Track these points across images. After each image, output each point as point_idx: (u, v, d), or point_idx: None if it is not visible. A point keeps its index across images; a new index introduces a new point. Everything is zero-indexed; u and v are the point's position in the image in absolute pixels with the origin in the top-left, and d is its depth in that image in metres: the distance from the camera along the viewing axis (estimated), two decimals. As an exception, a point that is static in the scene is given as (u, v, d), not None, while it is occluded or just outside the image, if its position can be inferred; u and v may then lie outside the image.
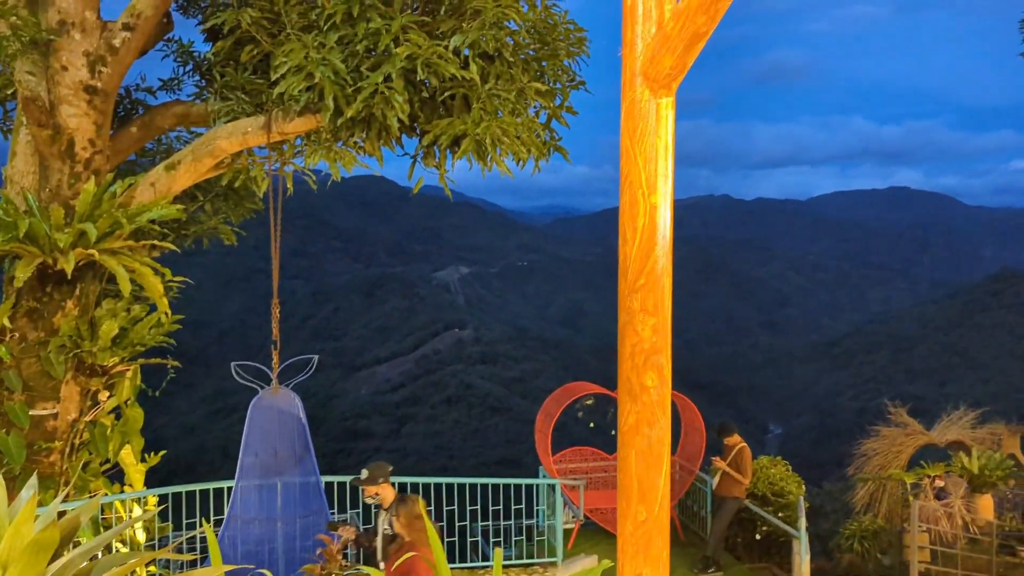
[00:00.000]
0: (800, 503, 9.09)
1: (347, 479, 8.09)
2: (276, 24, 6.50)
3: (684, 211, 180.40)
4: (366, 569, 2.58)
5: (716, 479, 9.58)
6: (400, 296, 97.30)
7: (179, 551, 7.86)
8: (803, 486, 10.59)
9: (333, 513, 7.41)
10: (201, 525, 7.62)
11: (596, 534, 10.60)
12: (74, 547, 2.48)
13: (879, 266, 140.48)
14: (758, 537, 10.12)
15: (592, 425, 10.70)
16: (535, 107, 6.57)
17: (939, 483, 12.42)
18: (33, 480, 2.62)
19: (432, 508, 8.34)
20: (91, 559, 2.35)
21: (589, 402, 10.79)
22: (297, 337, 79.76)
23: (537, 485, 9.25)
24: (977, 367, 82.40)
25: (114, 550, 6.94)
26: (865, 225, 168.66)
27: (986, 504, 12.37)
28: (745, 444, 9.48)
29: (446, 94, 5.78)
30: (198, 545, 8.03)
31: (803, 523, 8.69)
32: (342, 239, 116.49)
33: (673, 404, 11.04)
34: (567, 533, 9.84)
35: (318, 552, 4.51)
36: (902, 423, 14.78)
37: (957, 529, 10.74)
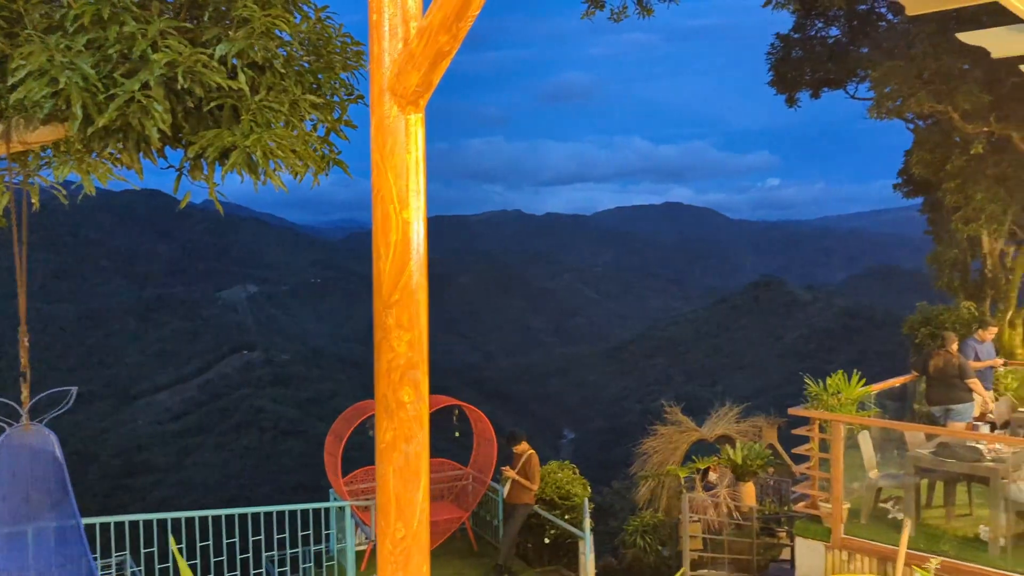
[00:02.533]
0: (585, 505, 9.53)
1: (123, 518, 7.43)
2: (17, 24, 5.87)
3: (480, 226, 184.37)
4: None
5: (507, 488, 9.79)
6: (181, 318, 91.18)
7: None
8: (588, 488, 11.09)
9: (96, 557, 6.76)
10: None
11: (391, 553, 10.46)
12: None
13: (657, 276, 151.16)
14: (547, 541, 10.46)
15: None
16: (312, 120, 6.41)
17: (712, 475, 13.50)
18: None
19: (210, 542, 7.85)
20: None
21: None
22: (60, 367, 72.40)
23: (325, 509, 9.00)
24: (743, 366, 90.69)
25: None
26: (644, 238, 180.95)
27: (749, 491, 13.61)
28: (533, 451, 9.77)
29: (212, 104, 5.48)
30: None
31: (587, 523, 9.10)
32: (114, 258, 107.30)
33: (466, 417, 11.18)
34: (360, 555, 9.64)
35: None
36: (677, 421, 15.91)
37: (723, 516, 11.70)
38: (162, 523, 7.74)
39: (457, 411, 10.65)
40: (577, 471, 11.69)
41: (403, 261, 2.04)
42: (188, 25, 5.64)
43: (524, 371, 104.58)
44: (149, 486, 58.81)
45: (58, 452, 6.10)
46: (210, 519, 7.86)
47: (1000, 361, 12.32)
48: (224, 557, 7.94)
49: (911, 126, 18.81)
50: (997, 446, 8.19)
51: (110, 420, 71.64)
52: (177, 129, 6.02)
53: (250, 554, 8.12)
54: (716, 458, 13.99)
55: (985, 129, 15.33)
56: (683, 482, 12.92)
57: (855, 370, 9.15)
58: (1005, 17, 4.65)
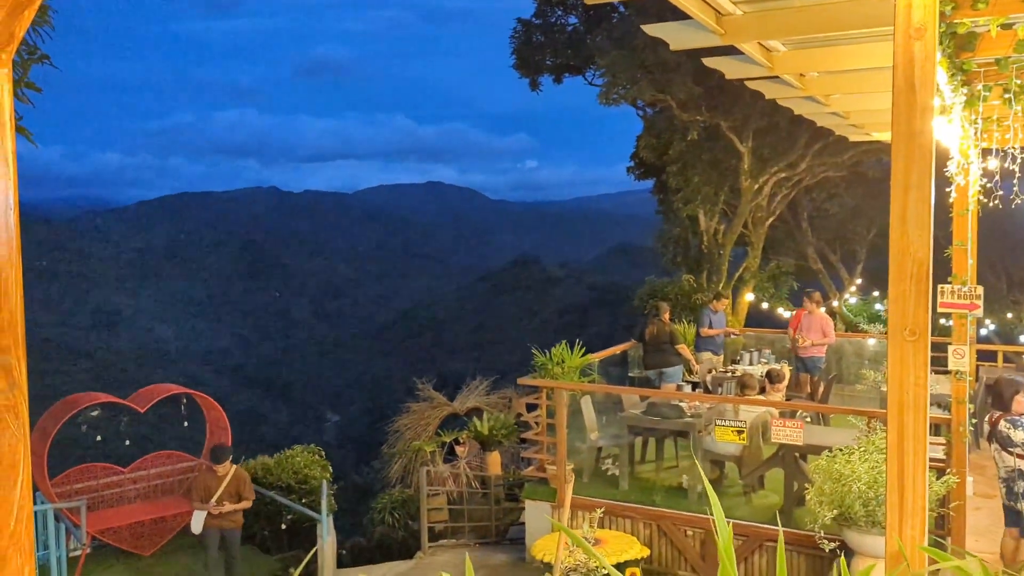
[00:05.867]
0: (323, 487, 9.39)
1: None
2: None
3: (230, 203, 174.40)
4: None
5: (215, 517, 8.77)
6: None
7: None
8: (329, 470, 10.94)
9: None
10: None
11: (112, 556, 9.69)
12: None
13: (421, 255, 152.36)
14: (284, 527, 10.20)
15: (100, 438, 9.74)
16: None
17: (461, 447, 13.84)
18: None
19: None
20: None
21: (95, 413, 9.76)
22: None
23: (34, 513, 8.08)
24: (503, 341, 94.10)
25: None
26: (407, 217, 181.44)
27: (495, 460, 14.16)
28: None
29: None
30: None
31: (325, 505, 8.97)
32: None
33: (197, 404, 10.54)
34: (73, 562, 8.81)
35: None
36: (429, 397, 16.17)
37: (463, 487, 12.07)
38: None
39: (186, 399, 10.02)
40: (321, 453, 11.50)
41: (-21, 231, 1.81)
42: None
43: (284, 355, 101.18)
44: None
45: None
46: None
47: (735, 330, 13.93)
48: None
49: (640, 113, 20.40)
50: (696, 403, 9.16)
51: None
52: None
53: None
54: (464, 431, 14.38)
55: (699, 118, 16.98)
56: (429, 456, 13.15)
57: (605, 342, 9.80)
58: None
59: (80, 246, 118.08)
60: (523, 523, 11.35)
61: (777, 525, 7.51)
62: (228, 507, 8.09)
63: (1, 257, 1.85)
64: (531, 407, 10.42)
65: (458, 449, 14.00)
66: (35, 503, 8.98)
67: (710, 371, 11.43)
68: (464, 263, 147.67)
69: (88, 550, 8.92)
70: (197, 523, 8.04)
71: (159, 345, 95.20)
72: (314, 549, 7.58)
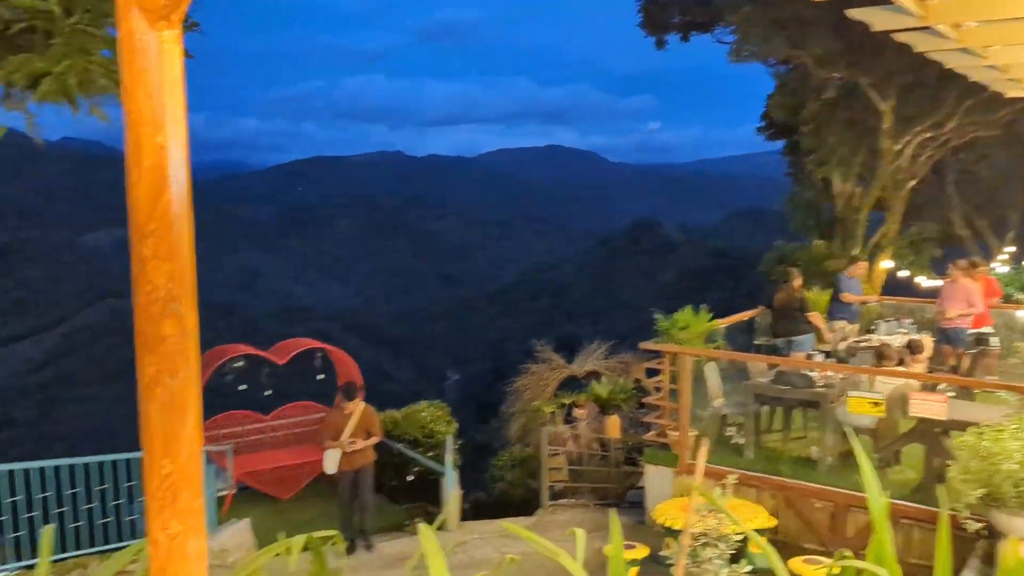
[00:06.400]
0: (448, 441, 9.66)
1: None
2: None
3: (359, 168, 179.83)
4: None
5: (344, 454, 8.84)
6: (39, 264, 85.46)
7: None
8: (453, 425, 11.24)
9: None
10: None
11: (256, 498, 10.36)
12: None
13: (539, 218, 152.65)
14: (410, 478, 10.58)
15: (243, 387, 10.37)
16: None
17: (580, 410, 13.93)
18: None
19: (53, 493, 7.52)
20: None
21: (239, 364, 10.39)
22: (-95, 317, 66.80)
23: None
24: (621, 305, 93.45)
25: None
26: (527, 180, 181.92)
27: (614, 424, 14.17)
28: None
29: (20, 27, 5.05)
30: None
31: (449, 460, 9.24)
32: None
33: (331, 359, 11.05)
34: (220, 500, 9.47)
35: None
36: (547, 359, 16.31)
37: (583, 449, 12.14)
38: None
39: (321, 353, 10.50)
40: (446, 409, 11.82)
41: (159, 188, 1.94)
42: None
43: (407, 315, 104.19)
44: (9, 441, 55.58)
45: None
46: (48, 471, 7.52)
47: (874, 298, 13.29)
48: (97, 504, 7.68)
49: (772, 71, 19.53)
50: (828, 373, 8.81)
51: (-38, 373, 66.95)
52: (-17, 53, 5.52)
53: (97, 503, 7.85)
54: (582, 393, 14.45)
55: (836, 75, 16.10)
56: (548, 417, 13.29)
57: (726, 308, 9.59)
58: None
59: (222, 208, 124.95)
60: (642, 487, 11.34)
61: (914, 503, 7.18)
62: (360, 443, 8.04)
63: (175, 211, 1.98)
64: (651, 372, 10.31)
65: (577, 411, 14.08)
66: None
67: (843, 340, 10.95)
68: (583, 226, 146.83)
69: (234, 491, 9.58)
70: (331, 463, 8.03)
71: (292, 302, 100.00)
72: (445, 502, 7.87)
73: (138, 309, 1.99)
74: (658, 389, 9.27)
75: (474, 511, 12.71)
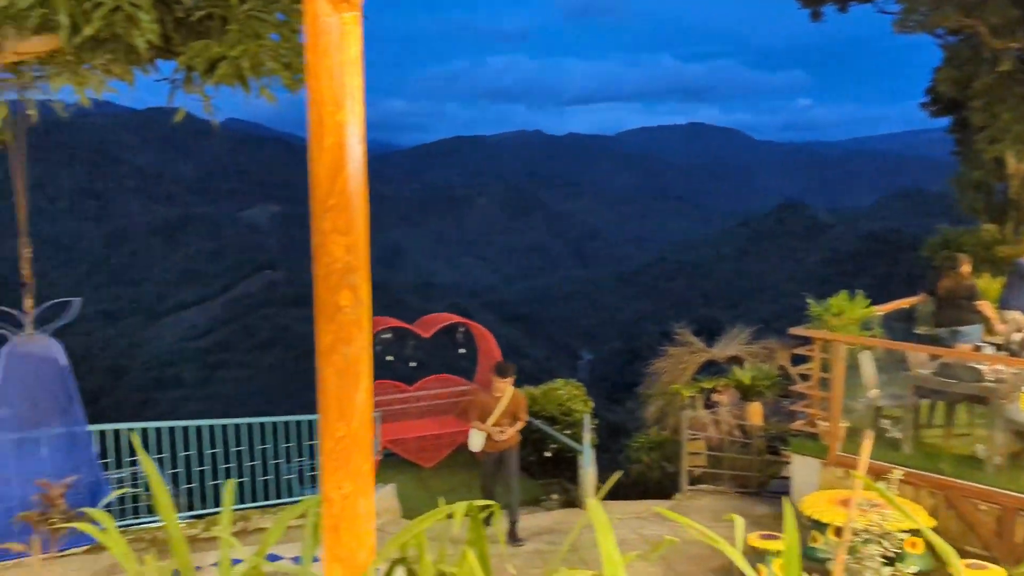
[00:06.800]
0: (585, 420, 9.68)
1: (146, 425, 7.70)
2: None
3: (498, 147, 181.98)
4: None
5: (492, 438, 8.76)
6: (205, 237, 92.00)
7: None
8: (590, 404, 11.24)
9: (106, 464, 7.03)
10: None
11: (400, 465, 10.78)
12: None
13: (678, 198, 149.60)
14: (548, 454, 10.69)
15: (389, 359, 10.80)
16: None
17: (720, 395, 13.62)
18: None
19: (219, 450, 8.12)
20: None
21: (387, 336, 10.81)
22: (90, 283, 73.66)
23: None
24: (764, 289, 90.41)
25: None
26: (666, 159, 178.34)
27: (755, 411, 13.74)
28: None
29: (200, 14, 5.40)
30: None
31: (587, 438, 9.27)
32: (138, 177, 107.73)
33: (472, 335, 11.30)
34: (367, 466, 9.92)
35: (36, 497, 4.25)
36: (687, 342, 16.01)
37: (724, 435, 11.85)
38: (173, 431, 8.02)
39: (463, 329, 10.75)
40: (582, 388, 11.85)
41: (338, 165, 2.03)
42: (171, -70, 5.51)
43: (542, 293, 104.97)
44: (179, 400, 60.43)
45: (62, 360, 6.28)
46: (217, 429, 8.12)
47: None
48: (234, 464, 8.23)
49: (940, 42, 18.15)
50: (999, 367, 8.17)
51: (139, 336, 73.20)
52: (167, 40, 5.95)
53: (259, 461, 8.40)
54: (723, 379, 14.10)
55: (1014, 45, 14.77)
56: (688, 401, 13.05)
57: (878, 294, 9.09)
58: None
59: (369, 185, 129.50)
60: (786, 477, 10.96)
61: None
62: (507, 432, 7.84)
63: (353, 187, 2.07)
64: (797, 359, 9.89)
65: (716, 396, 13.76)
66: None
67: (1019, 331, 10.10)
68: (724, 207, 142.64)
69: (379, 457, 10.03)
70: (476, 442, 7.91)
71: (431, 278, 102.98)
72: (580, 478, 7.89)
73: (317, 280, 2.11)
74: (806, 377, 8.89)
75: (608, 491, 12.73)
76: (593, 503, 2.01)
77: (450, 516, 2.21)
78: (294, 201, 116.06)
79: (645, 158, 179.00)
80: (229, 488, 2.74)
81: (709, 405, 12.68)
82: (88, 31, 5.16)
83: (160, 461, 7.93)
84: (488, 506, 2.37)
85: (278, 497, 8.65)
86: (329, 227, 2.05)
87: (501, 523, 8.56)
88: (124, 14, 5.09)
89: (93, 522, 2.70)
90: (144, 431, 7.91)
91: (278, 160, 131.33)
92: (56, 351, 6.19)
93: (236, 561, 2.52)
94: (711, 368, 15.71)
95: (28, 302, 5.98)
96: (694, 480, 10.82)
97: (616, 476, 2.96)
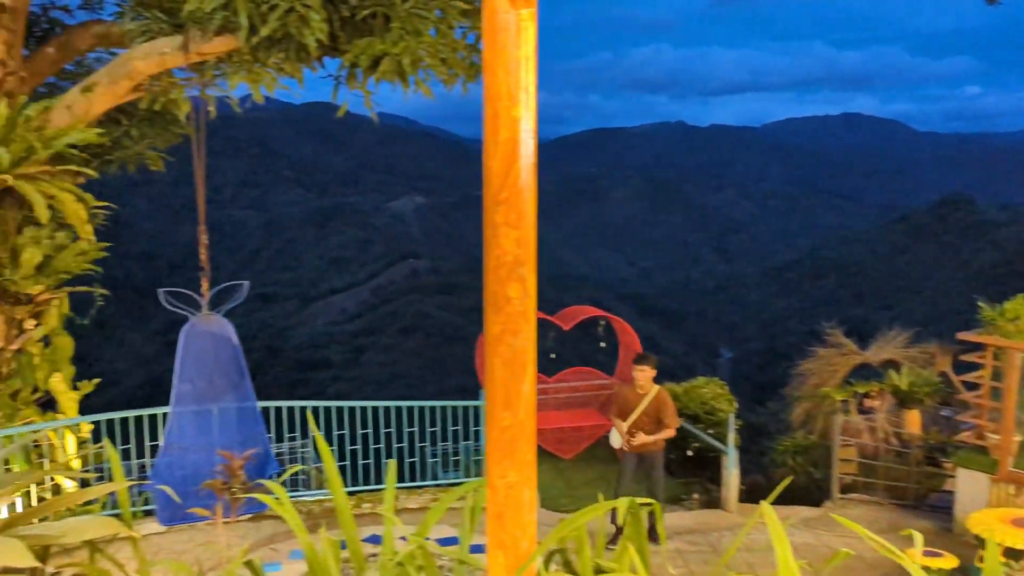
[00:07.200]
0: (730, 420, 9.43)
1: (298, 403, 8.18)
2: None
3: (637, 139, 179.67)
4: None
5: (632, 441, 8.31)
6: (354, 226, 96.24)
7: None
8: (734, 404, 10.95)
9: (272, 438, 7.49)
10: (142, 454, 7.64)
11: (539, 455, 10.87)
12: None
13: (830, 192, 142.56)
14: (689, 453, 10.49)
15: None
16: (463, 28, 6.46)
17: (874, 400, 12.92)
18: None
19: (370, 431, 8.49)
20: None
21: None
22: (251, 268, 78.72)
23: (475, 407, 9.42)
24: (922, 289, 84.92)
25: (48, 479, 6.93)
26: (818, 151, 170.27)
27: (913, 419, 12.93)
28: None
29: (365, 13, 5.64)
30: (143, 472, 8.04)
31: (731, 439, 9.03)
32: (294, 168, 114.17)
33: (612, 328, 11.24)
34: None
35: (219, 468, 4.58)
36: (838, 343, 15.26)
37: (879, 443, 11.23)
38: (329, 411, 8.46)
39: (603, 322, 10.70)
40: (725, 387, 11.55)
41: (512, 159, 2.07)
42: (340, -66, 5.78)
43: (681, 288, 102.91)
44: (328, 380, 63.62)
45: (235, 339, 6.75)
46: (369, 410, 8.48)
47: None
48: (382, 445, 8.57)
49: None
50: None
51: (293, 319, 77.64)
52: (334, 38, 6.26)
53: (405, 444, 8.71)
54: (877, 383, 13.36)
55: None
56: (839, 405, 12.46)
57: None
58: None
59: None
60: (949, 491, 10.27)
61: None
62: (643, 438, 7.34)
63: (524, 181, 2.10)
64: (963, 366, 9.25)
65: (869, 402, 13.06)
66: (480, 400, 10.43)
67: None
68: (880, 201, 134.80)
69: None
70: (615, 438, 7.62)
71: (568, 270, 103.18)
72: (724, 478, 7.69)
73: (487, 272, 2.16)
74: (974, 385, 8.29)
75: (749, 494, 12.34)
76: (766, 507, 1.96)
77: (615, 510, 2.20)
78: (438, 193, 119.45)
79: (794, 150, 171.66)
80: (392, 468, 2.86)
81: (863, 411, 12.05)
82: (264, 31, 5.51)
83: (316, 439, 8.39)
84: (649, 504, 2.35)
85: (422, 479, 8.95)
86: (501, 220, 2.09)
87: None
88: (297, 15, 5.39)
89: (268, 493, 2.88)
90: (301, 409, 8.39)
91: (423, 153, 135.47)
92: (230, 331, 6.67)
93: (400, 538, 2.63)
94: (863, 371, 14.93)
95: (205, 285, 6.46)
96: (844, 488, 10.33)
97: (787, 481, 2.87)
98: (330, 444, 8.50)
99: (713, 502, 9.81)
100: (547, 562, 2.46)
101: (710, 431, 10.23)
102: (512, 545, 2.17)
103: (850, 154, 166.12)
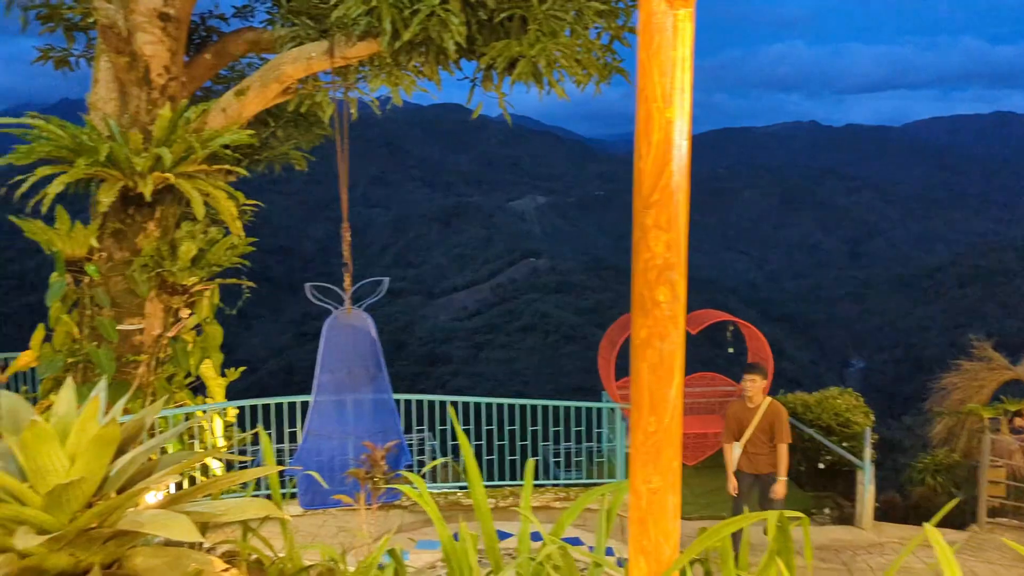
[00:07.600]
0: (866, 434, 8.99)
1: (428, 397, 8.41)
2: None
3: (767, 139, 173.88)
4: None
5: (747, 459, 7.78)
6: (477, 225, 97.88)
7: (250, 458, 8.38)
8: (871, 417, 10.43)
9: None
10: (285, 439, 8.08)
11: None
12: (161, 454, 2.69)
13: (976, 196, 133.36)
14: (821, 466, 10.08)
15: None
16: (597, 28, 6.44)
17: (1022, 420, 12.04)
18: (102, 384, 2.84)
19: (494, 427, 8.61)
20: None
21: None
22: (379, 264, 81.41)
23: (600, 409, 9.40)
24: (1082, 301, 78.13)
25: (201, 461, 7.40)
26: (963, 153, 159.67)
27: (1072, 440, 11.97)
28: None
29: (502, 15, 5.72)
30: (284, 457, 8.48)
31: (868, 453, 8.61)
32: (421, 168, 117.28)
33: (740, 333, 10.94)
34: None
35: (362, 457, 4.74)
36: (986, 357, 14.30)
37: (1033, 465, 10.43)
38: (456, 405, 8.65)
39: (732, 327, 10.44)
40: (860, 399, 11.03)
41: (664, 161, 2.05)
42: (481, -62, 5.88)
43: (810, 293, 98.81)
44: (448, 375, 65.01)
45: (374, 333, 7.00)
46: (494, 407, 8.61)
47: None
48: (506, 442, 8.68)
49: None
50: None
51: (417, 314, 79.76)
52: (471, 41, 6.38)
53: (528, 442, 8.78)
54: (1031, 401, 12.41)
55: None
56: (987, 423, 11.66)
57: None
58: None
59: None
60: (1112, 523, 9.44)
61: None
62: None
63: (676, 183, 2.08)
64: None
65: (1020, 420, 12.16)
66: (602, 401, 10.39)
67: None
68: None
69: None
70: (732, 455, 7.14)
71: (692, 273, 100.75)
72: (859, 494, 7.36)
73: (635, 275, 2.14)
74: None
75: (883, 511, 11.74)
76: (930, 528, 1.86)
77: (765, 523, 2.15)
78: (559, 192, 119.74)
79: (938, 151, 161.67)
80: (530, 467, 2.89)
81: (1015, 430, 11.24)
82: (406, 36, 5.68)
83: (443, 432, 8.59)
84: (798, 517, 2.28)
85: (546, 478, 9.01)
86: (651, 223, 2.07)
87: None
88: (438, 18, 5.53)
89: (408, 483, 2.96)
90: (428, 402, 8.61)
91: (546, 153, 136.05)
92: (369, 324, 6.92)
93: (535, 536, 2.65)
94: (1014, 388, 13.93)
95: (347, 280, 6.74)
96: (991, 512, 9.66)
97: (954, 502, 2.72)
98: (452, 439, 8.69)
99: (846, 518, 9.39)
100: (685, 571, 2.42)
101: (843, 444, 9.79)
102: (654, 551, 2.16)
103: (1001, 156, 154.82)
